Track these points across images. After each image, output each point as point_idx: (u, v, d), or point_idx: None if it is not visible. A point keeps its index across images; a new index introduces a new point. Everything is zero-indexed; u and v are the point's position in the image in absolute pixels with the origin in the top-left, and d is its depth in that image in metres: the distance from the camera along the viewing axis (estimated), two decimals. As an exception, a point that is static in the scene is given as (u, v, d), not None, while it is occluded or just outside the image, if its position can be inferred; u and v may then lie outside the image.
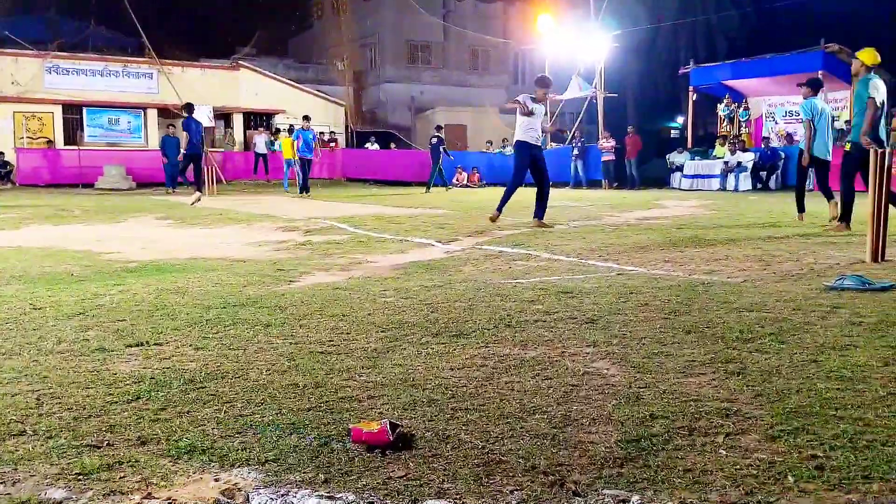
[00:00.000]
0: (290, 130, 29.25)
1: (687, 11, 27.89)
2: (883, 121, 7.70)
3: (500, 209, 9.40)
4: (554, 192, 18.29)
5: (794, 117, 20.85)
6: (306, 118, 19.17)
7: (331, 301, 4.42)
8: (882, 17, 23.15)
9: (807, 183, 9.33)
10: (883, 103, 7.66)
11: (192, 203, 13.71)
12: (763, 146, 19.74)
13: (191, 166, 16.18)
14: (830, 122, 9.05)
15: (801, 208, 9.09)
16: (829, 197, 8.83)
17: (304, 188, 18.07)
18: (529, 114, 9.28)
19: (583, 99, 24.26)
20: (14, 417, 2.47)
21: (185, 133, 15.64)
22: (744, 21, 27.94)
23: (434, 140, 21.05)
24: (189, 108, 16.18)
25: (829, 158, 8.97)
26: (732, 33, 27.98)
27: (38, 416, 2.49)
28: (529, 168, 9.44)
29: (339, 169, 27.65)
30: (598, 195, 17.59)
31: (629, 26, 24.97)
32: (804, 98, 9.00)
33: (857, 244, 6.47)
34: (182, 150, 15.84)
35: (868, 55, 7.85)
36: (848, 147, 7.93)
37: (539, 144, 9.54)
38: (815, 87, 9.15)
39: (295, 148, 18.42)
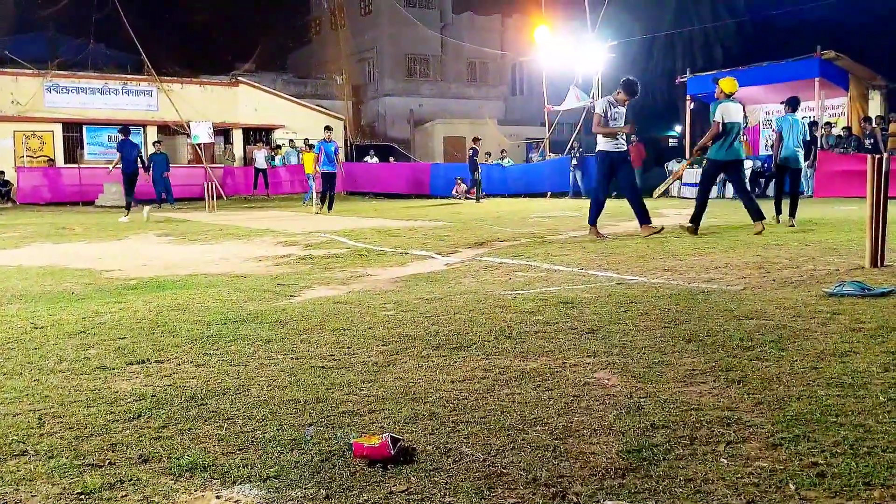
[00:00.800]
0: (298, 143, 29.40)
1: (683, 21, 28.01)
2: (735, 137, 8.90)
3: (593, 222, 8.93)
4: (554, 203, 18.24)
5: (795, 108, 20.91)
6: (328, 129, 17.56)
7: (331, 315, 4.42)
8: (877, 24, 23.23)
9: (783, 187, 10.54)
10: (734, 125, 8.85)
11: (123, 220, 14.29)
12: (764, 153, 19.78)
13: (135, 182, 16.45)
14: (803, 135, 10.23)
15: (778, 210, 10.23)
16: (792, 206, 9.99)
17: (329, 203, 16.84)
18: (607, 122, 8.77)
19: (581, 109, 24.31)
20: (16, 437, 2.47)
21: (119, 153, 15.93)
22: (740, 29, 28.04)
23: (470, 151, 21.90)
24: (125, 130, 16.50)
25: (800, 167, 10.31)
26: (729, 42, 28.07)
27: (39, 435, 2.49)
28: (609, 178, 8.99)
29: (338, 182, 27.72)
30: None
31: (625, 36, 25.08)
32: (784, 113, 10.33)
33: (857, 250, 6.47)
34: (123, 169, 16.06)
35: (726, 83, 9.15)
36: (705, 163, 9.48)
37: (622, 151, 8.90)
38: (793, 104, 10.32)
39: (317, 162, 16.94)
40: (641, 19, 28.23)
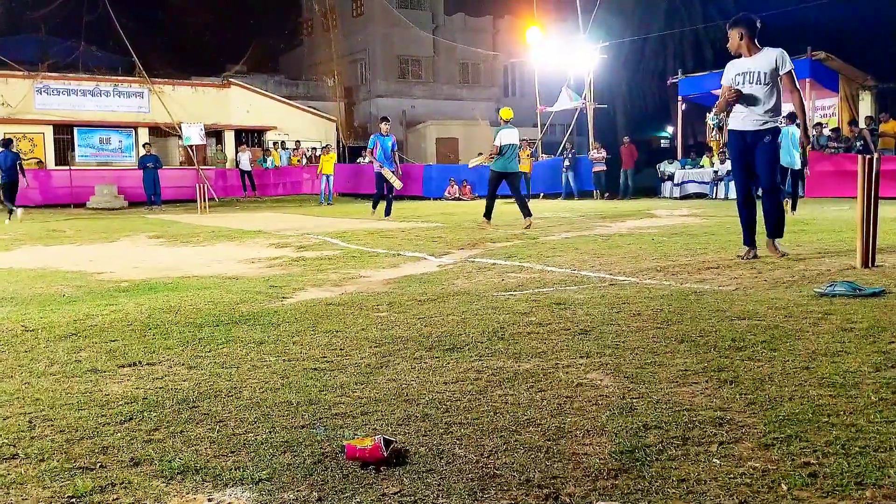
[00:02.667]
0: (290, 145, 29.36)
1: (674, 22, 28.11)
2: (512, 154, 11.15)
3: (747, 241, 6.48)
4: (546, 204, 18.24)
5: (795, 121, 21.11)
6: (384, 120, 14.56)
7: (324, 317, 4.41)
8: (868, 25, 23.36)
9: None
10: (509, 145, 11.07)
11: (20, 219, 15.32)
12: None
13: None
14: (797, 139, 12.31)
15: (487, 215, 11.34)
16: (793, 200, 12.23)
17: (388, 208, 14.26)
18: (737, 95, 6.33)
19: (573, 110, 24.38)
20: (6, 440, 2.45)
21: None
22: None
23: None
24: (5, 143, 17.15)
25: (797, 167, 12.59)
26: (720, 43, 28.18)
27: (30, 438, 2.47)
28: (745, 168, 6.50)
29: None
30: (590, 205, 17.65)
31: (617, 38, 25.15)
32: (785, 125, 12.50)
33: (848, 251, 6.50)
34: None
35: (504, 112, 11.61)
36: (491, 173, 11.43)
37: (760, 130, 6.32)
38: (791, 117, 12.14)
39: (374, 157, 14.03)
40: (633, 21, 28.33)
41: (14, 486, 2.11)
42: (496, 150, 10.99)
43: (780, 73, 6.26)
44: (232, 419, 2.63)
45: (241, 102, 29.28)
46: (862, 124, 18.17)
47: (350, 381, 3.07)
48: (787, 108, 13.96)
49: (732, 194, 19.32)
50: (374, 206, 14.60)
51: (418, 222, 12.59)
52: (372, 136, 14.50)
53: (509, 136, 11.11)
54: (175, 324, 4.30)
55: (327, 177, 22.51)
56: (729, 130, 6.69)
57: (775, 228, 6.50)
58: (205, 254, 8.48)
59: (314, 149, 28.24)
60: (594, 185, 22.14)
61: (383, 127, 14.12)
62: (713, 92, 22.09)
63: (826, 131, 18.78)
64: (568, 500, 1.93)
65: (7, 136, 18.23)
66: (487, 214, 10.93)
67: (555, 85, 24.58)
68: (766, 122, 6.34)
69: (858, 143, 17.18)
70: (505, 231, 10.20)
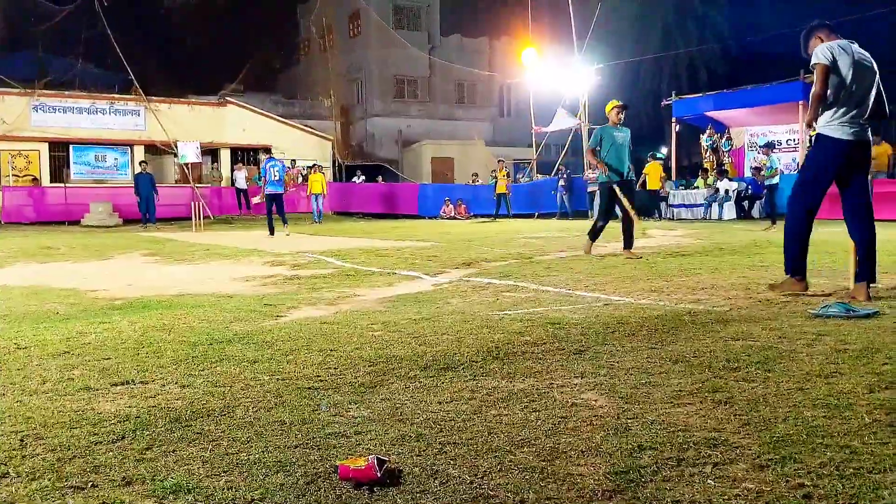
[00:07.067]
0: (286, 163, 29.37)
1: (669, 45, 28.38)
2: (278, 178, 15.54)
3: (864, 278, 5.15)
4: (541, 223, 18.24)
5: (774, 148, 21.25)
6: (624, 108, 9.94)
7: (318, 336, 4.40)
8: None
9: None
10: (269, 173, 15.33)
11: None
12: (753, 176, 19.95)
13: None
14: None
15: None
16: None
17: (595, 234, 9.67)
18: (828, 76, 5.13)
19: (568, 131, 24.52)
20: (-3, 459, 2.43)
21: None
22: (725, 53, 28.47)
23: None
24: None
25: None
26: (713, 65, 28.49)
27: (21, 457, 2.46)
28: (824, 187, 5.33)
29: (326, 203, 27.78)
30: (585, 225, 17.64)
31: (612, 60, 25.36)
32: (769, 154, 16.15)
33: (841, 272, 6.52)
34: None
35: (268, 153, 16.83)
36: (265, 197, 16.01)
37: (865, 139, 5.17)
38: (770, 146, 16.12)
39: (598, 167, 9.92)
40: (628, 43, 28.58)
41: (4, 505, 2.09)
42: (266, 180, 15.36)
43: None
44: (225, 438, 2.61)
45: (237, 121, 29.34)
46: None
47: (344, 400, 3.06)
48: (772, 116, 14.20)
49: (727, 215, 19.42)
50: (595, 237, 9.68)
51: (413, 241, 12.59)
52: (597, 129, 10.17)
53: (271, 166, 15.28)
54: (168, 342, 4.28)
55: (316, 196, 22.56)
56: (827, 136, 5.36)
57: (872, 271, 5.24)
58: (199, 272, 8.46)
59: (310, 167, 28.31)
60: (588, 205, 22.21)
61: (613, 116, 9.74)
62: (705, 113, 22.30)
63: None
64: (562, 522, 1.93)
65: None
66: (271, 230, 15.36)
67: (550, 105, 24.75)
68: (868, 136, 5.40)
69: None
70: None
